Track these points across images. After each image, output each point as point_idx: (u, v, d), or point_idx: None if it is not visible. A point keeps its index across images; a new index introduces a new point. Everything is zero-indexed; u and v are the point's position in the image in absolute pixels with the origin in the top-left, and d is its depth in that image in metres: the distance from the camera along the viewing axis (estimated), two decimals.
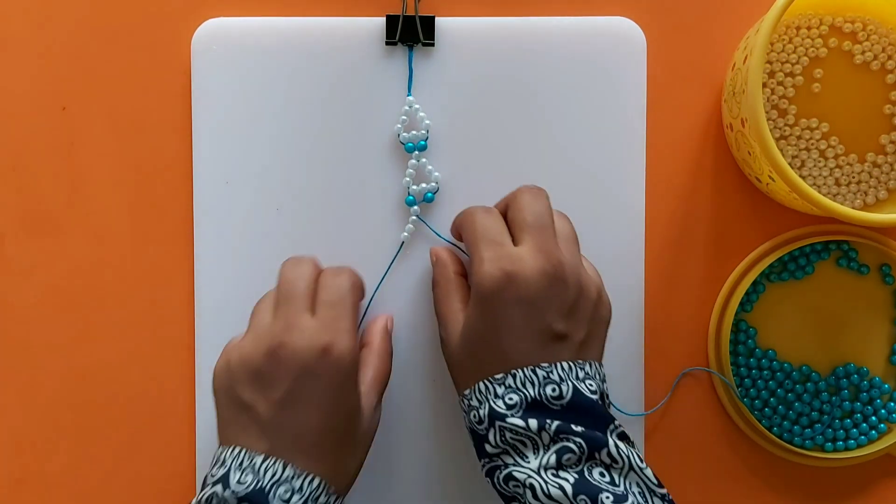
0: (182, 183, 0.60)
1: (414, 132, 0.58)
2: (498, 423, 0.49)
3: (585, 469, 0.48)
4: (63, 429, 0.60)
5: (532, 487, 0.47)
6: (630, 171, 0.59)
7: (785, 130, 0.58)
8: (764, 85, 0.58)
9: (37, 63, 0.60)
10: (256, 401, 0.50)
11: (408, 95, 0.59)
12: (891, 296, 0.61)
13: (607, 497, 0.46)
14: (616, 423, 0.50)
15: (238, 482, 0.48)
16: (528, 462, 0.48)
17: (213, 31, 0.59)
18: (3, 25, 0.60)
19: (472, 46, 0.59)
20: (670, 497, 0.49)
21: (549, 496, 0.47)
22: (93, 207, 0.60)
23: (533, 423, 0.48)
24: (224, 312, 0.58)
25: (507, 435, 0.49)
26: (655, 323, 0.60)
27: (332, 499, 0.50)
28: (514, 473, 0.48)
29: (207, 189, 0.59)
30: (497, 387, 0.49)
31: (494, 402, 0.49)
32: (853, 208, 0.56)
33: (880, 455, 0.60)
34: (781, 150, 0.58)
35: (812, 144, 0.58)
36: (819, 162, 0.59)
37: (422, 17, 0.58)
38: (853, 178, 0.59)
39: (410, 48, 0.59)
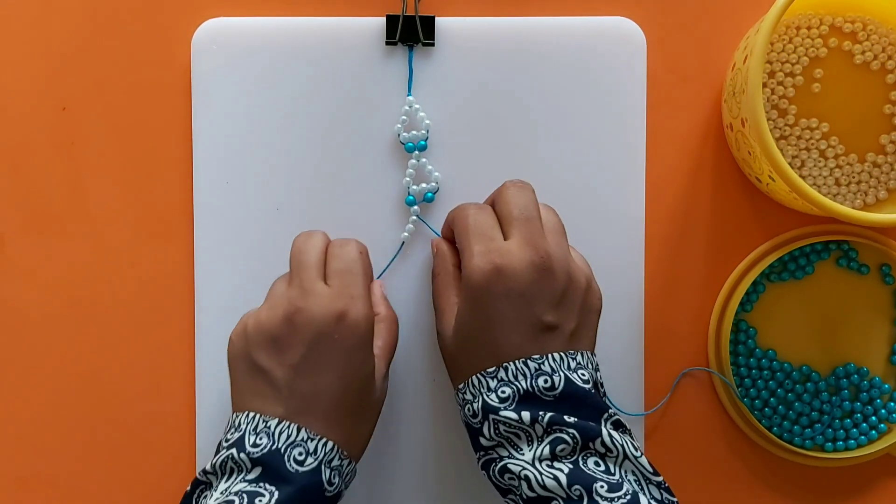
0: (182, 183, 0.60)
1: (414, 132, 0.58)
2: (491, 416, 0.49)
3: (580, 459, 0.48)
4: (63, 428, 0.60)
5: (527, 479, 0.48)
6: (630, 171, 0.59)
7: (785, 130, 0.58)
8: (764, 85, 0.58)
9: (37, 63, 0.60)
10: (272, 366, 0.50)
11: (408, 95, 0.59)
12: (891, 296, 0.61)
13: (602, 486, 0.47)
14: (611, 411, 0.50)
15: (253, 445, 0.48)
16: (523, 454, 0.48)
17: (213, 31, 0.59)
18: (3, 25, 0.60)
19: (472, 46, 0.59)
20: (667, 484, 0.49)
21: (543, 487, 0.47)
22: (93, 207, 0.60)
23: (526, 415, 0.48)
24: (224, 312, 0.58)
25: (501, 428, 0.49)
26: (655, 323, 0.60)
27: (346, 463, 0.50)
28: (509, 466, 0.48)
29: (207, 189, 0.59)
30: (489, 380, 0.50)
31: (487, 396, 0.49)
32: (853, 208, 0.56)
33: (880, 455, 0.60)
34: (781, 150, 0.58)
35: (812, 144, 0.58)
36: (819, 162, 0.59)
37: (422, 17, 0.58)
38: (853, 178, 0.59)
39: (410, 48, 0.59)
